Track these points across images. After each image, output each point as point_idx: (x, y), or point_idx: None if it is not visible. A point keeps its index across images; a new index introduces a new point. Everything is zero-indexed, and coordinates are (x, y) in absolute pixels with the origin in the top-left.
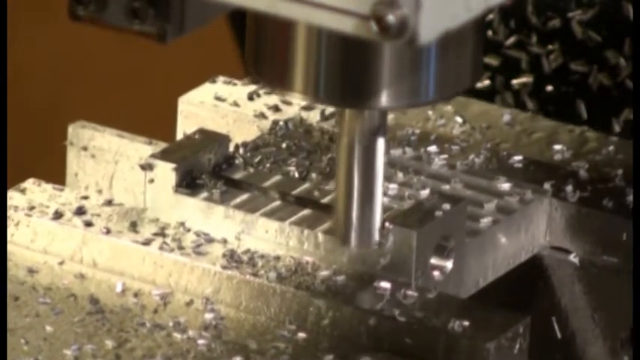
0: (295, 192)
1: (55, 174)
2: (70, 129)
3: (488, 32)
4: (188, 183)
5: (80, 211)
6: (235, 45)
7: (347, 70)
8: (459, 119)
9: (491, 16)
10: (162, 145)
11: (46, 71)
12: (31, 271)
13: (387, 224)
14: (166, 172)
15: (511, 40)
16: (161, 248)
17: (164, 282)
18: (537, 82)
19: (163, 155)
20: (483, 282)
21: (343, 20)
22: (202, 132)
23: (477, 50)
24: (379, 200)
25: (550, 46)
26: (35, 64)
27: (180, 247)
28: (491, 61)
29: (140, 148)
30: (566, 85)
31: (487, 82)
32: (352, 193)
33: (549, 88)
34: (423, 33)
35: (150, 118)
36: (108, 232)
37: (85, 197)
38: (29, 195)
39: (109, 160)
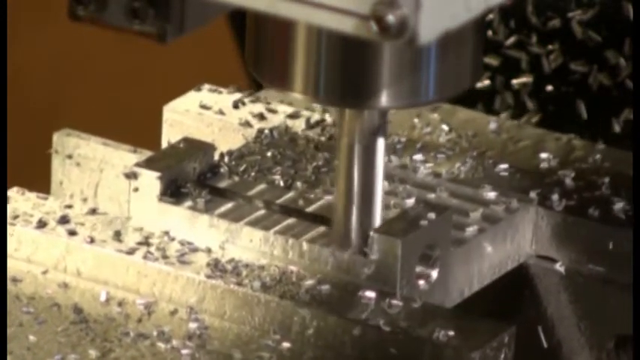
0: (280, 201)
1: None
2: (55, 137)
3: (488, 32)
4: (172, 192)
5: (64, 220)
6: (235, 45)
7: (347, 70)
8: (445, 127)
9: (491, 16)
10: (147, 154)
11: (46, 71)
12: (15, 281)
13: (371, 233)
14: (151, 181)
15: (511, 40)
16: (145, 257)
17: (148, 291)
18: (537, 82)
19: (148, 164)
20: (469, 291)
21: (343, 20)
22: (187, 141)
23: (477, 50)
24: (379, 200)
25: (550, 46)
26: (35, 64)
27: (165, 257)
28: (491, 61)
29: (125, 157)
30: (566, 85)
31: (487, 82)
32: (352, 192)
33: (549, 88)
34: (423, 33)
35: (147, 122)
36: (92, 241)
37: (69, 206)
38: (13, 204)
39: (93, 168)
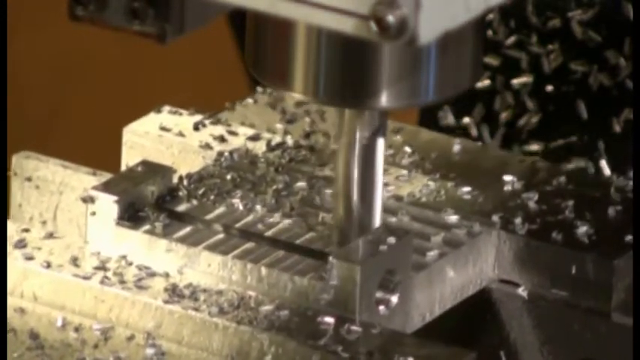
0: (239, 225)
1: None
2: (14, 159)
3: (488, 32)
4: (130, 216)
5: (21, 245)
6: (235, 45)
7: (347, 70)
8: (407, 149)
9: (491, 16)
10: (107, 176)
11: (46, 71)
12: None
13: (330, 258)
14: (108, 205)
15: (511, 40)
16: (102, 282)
17: (105, 316)
18: (537, 82)
19: (105, 187)
20: (430, 316)
21: (343, 20)
22: (145, 163)
23: (477, 50)
24: (379, 200)
25: (550, 46)
26: (35, 64)
27: (122, 281)
28: (492, 61)
29: (85, 179)
30: (567, 85)
31: (487, 82)
32: (351, 193)
33: (549, 88)
34: (423, 33)
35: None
36: (48, 265)
37: (26, 230)
38: None
39: (53, 191)
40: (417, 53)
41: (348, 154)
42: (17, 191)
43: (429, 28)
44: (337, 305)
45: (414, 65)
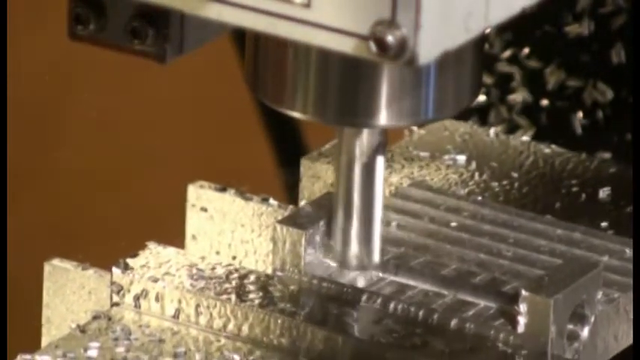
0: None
1: (55, 173)
2: (190, 189)
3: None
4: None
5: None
6: (239, 62)
7: (346, 90)
8: None
9: (487, 30)
10: (283, 207)
11: (45, 71)
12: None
13: (523, 292)
14: (295, 239)
15: (506, 53)
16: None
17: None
18: (533, 96)
19: (292, 221)
20: (617, 349)
21: (343, 41)
22: (330, 195)
23: (476, 68)
24: (379, 218)
25: (546, 61)
26: (35, 64)
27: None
28: (486, 77)
29: (260, 210)
30: (561, 100)
31: (482, 96)
32: (352, 211)
33: (545, 102)
34: (422, 53)
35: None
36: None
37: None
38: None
39: (229, 221)
40: (417, 72)
41: (347, 172)
42: (193, 222)
43: (429, 49)
44: (529, 340)
45: (414, 84)
